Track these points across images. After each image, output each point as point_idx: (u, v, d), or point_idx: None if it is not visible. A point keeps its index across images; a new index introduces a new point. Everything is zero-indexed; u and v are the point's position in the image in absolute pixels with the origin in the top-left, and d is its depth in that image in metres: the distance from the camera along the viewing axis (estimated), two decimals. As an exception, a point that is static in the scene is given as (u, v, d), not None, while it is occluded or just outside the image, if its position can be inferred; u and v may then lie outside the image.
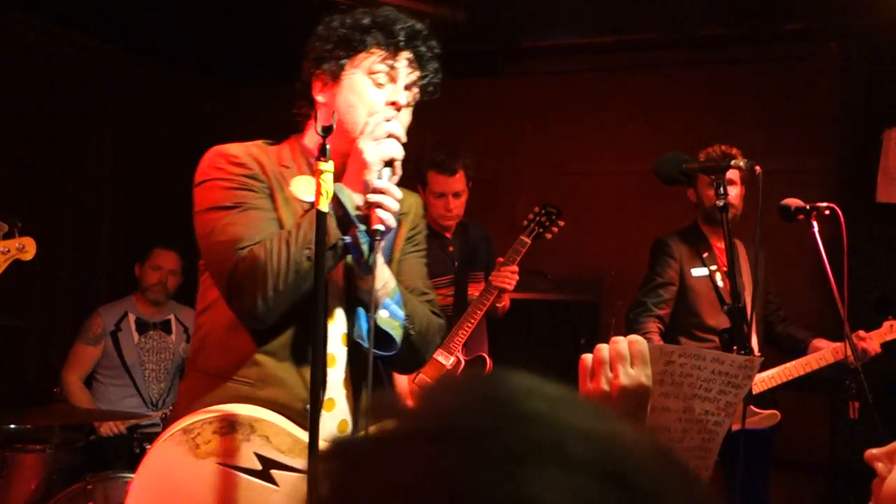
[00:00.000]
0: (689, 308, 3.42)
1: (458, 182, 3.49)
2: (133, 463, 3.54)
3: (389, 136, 1.77)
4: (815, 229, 2.82)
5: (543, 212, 3.47)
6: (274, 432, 1.72)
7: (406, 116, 1.89)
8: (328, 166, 1.77)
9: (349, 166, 1.78)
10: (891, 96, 4.30)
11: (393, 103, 1.84)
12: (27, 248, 2.65)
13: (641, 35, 4.75)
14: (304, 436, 1.70)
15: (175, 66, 5.25)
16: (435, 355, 3.40)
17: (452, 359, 3.40)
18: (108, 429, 3.73)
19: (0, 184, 4.23)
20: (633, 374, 1.16)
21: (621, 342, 1.19)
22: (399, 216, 1.88)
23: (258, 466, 1.68)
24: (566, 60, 5.00)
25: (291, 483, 1.69)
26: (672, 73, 4.86)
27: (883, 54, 4.30)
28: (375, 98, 1.84)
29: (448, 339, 3.40)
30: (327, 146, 1.77)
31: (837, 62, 4.49)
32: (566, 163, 4.97)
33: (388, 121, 1.80)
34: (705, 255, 3.43)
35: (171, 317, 4.24)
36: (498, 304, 3.48)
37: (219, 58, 5.26)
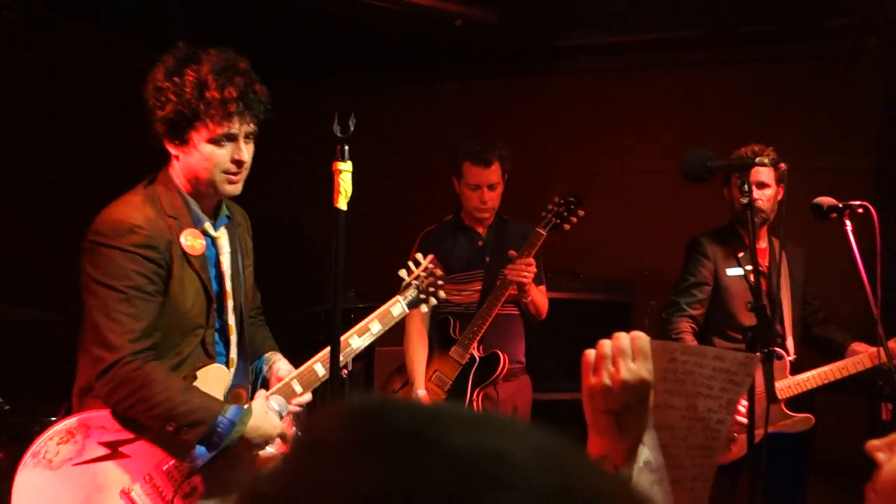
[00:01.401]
0: (724, 308, 3.38)
1: (494, 174, 3.44)
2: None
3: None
4: (848, 228, 2.76)
5: (562, 201, 3.36)
6: (106, 420, 2.02)
7: (251, 152, 2.18)
8: (346, 166, 1.83)
9: (265, 428, 2.12)
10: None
11: (238, 161, 2.13)
12: None
13: (677, 33, 4.71)
14: None
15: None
16: (451, 353, 3.36)
17: (468, 356, 3.33)
18: None
19: (35, 183, 4.36)
20: (634, 369, 1.18)
21: (623, 338, 1.21)
22: (237, 227, 2.33)
23: (107, 451, 1.99)
24: (600, 59, 4.98)
25: (139, 448, 2.03)
26: (709, 72, 4.80)
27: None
28: (221, 158, 2.11)
29: (464, 336, 3.34)
30: (346, 148, 1.85)
31: (878, 59, 4.39)
32: (600, 162, 4.95)
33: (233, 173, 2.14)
34: (741, 254, 3.37)
35: None
36: (522, 300, 3.38)
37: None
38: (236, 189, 2.16)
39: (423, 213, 3.92)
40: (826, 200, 2.84)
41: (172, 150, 2.15)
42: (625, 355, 1.19)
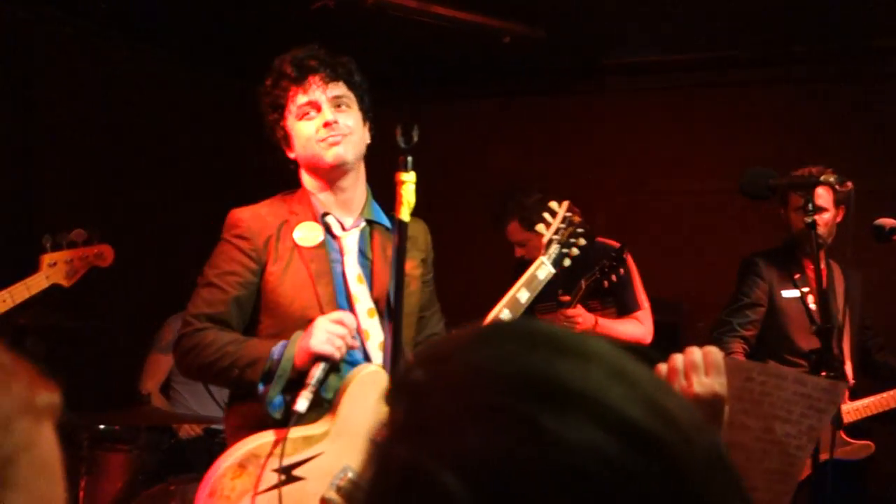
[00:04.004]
0: (780, 331, 3.31)
1: (513, 234, 3.55)
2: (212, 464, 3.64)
3: (340, 337, 1.96)
4: (912, 250, 2.71)
5: (612, 264, 3.20)
6: (275, 446, 1.98)
7: (350, 119, 2.10)
8: (409, 177, 1.83)
9: (303, 338, 1.98)
10: None
11: (326, 124, 2.06)
12: (104, 254, 2.74)
13: (724, 52, 4.67)
14: (292, 432, 1.98)
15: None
16: None
17: None
18: (185, 431, 3.84)
19: (89, 195, 4.44)
20: (706, 383, 1.17)
21: (695, 352, 1.20)
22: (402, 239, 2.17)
23: (282, 477, 1.95)
24: (647, 78, 4.94)
25: (313, 468, 1.96)
26: (756, 91, 4.74)
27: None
28: (309, 129, 2.08)
29: None
30: (409, 159, 1.85)
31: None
32: (647, 182, 4.89)
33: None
34: (797, 276, 3.31)
35: None
36: None
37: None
38: (338, 153, 2.06)
39: (466, 228, 3.92)
40: (888, 222, 2.80)
41: (292, 156, 2.16)
42: (697, 369, 1.17)
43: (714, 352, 1.20)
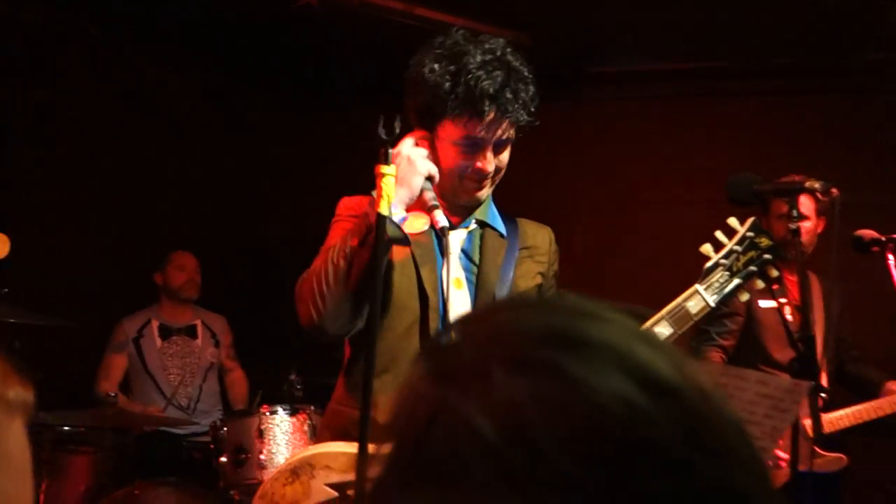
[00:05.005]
0: (755, 340, 3.30)
1: None
2: (180, 469, 3.54)
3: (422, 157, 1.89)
4: (891, 262, 2.74)
5: None
6: (331, 459, 1.85)
7: (503, 156, 1.96)
8: (390, 169, 1.77)
9: (401, 171, 1.86)
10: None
11: (480, 170, 1.91)
12: None
13: (711, 63, 4.68)
14: (352, 447, 1.81)
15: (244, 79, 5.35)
16: None
17: None
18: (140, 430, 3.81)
19: (62, 190, 4.35)
20: None
21: None
22: (523, 248, 2.04)
23: (334, 494, 1.82)
24: (632, 87, 4.94)
25: None
26: (747, 102, 4.75)
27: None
28: (460, 165, 1.91)
29: None
30: (390, 151, 1.79)
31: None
32: (636, 191, 4.87)
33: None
34: (775, 286, 3.30)
35: (198, 322, 4.30)
36: None
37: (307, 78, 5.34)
38: (475, 198, 1.94)
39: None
40: (867, 233, 2.82)
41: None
42: None
43: None
